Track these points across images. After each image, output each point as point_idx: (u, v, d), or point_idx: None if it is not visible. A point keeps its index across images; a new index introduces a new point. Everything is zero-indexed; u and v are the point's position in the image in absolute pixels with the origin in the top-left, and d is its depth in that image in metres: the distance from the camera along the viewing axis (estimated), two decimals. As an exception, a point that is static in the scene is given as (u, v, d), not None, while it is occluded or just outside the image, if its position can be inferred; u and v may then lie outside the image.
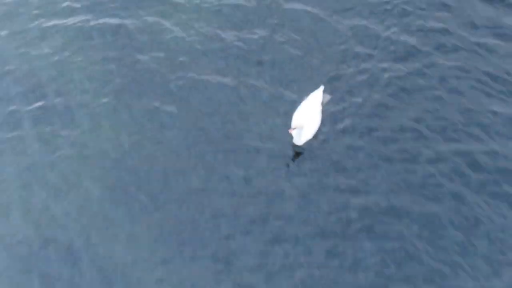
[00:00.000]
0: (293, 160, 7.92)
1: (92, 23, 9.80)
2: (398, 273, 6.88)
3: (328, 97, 8.50)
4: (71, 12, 9.98)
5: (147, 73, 9.01)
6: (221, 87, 8.75)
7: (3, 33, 9.84)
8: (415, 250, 7.02)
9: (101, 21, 9.79)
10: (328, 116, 8.33)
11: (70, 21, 9.85)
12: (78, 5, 10.06)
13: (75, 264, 7.23)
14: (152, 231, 7.40)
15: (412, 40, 9.01)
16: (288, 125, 8.25)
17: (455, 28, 9.08)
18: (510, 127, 7.94)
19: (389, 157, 7.84)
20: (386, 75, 8.70)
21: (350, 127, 8.20)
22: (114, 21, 9.76)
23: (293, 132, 7.85)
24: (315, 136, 8.13)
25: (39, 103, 8.80)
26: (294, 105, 8.46)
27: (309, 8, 9.63)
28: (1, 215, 7.72)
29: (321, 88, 8.46)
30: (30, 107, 8.78)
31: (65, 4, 10.10)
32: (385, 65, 8.78)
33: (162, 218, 7.49)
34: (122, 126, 8.45)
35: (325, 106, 8.42)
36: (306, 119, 8.00)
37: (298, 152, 8.01)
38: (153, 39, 9.44)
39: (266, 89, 8.67)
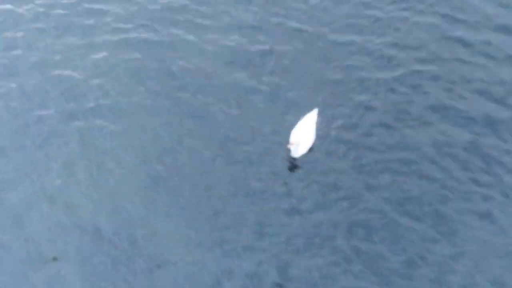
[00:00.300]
0: (290, 169, 9.53)
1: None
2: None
3: (319, 117, 10.13)
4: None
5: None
6: (223, 112, 10.40)
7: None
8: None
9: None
10: (320, 133, 9.95)
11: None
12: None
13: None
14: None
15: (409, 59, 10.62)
16: (287, 141, 9.89)
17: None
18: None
19: (371, 171, 9.42)
20: (380, 95, 10.30)
21: (339, 143, 9.80)
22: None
23: (291, 147, 9.46)
24: (309, 150, 9.74)
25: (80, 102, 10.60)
26: (292, 124, 10.11)
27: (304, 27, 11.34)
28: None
29: (315, 110, 10.08)
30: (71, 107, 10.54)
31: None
32: (380, 84, 10.41)
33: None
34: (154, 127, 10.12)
35: (318, 125, 10.03)
36: (302, 136, 9.60)
37: (294, 165, 9.63)
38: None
39: (268, 111, 10.33)
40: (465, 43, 10.60)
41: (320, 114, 10.16)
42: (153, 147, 10.05)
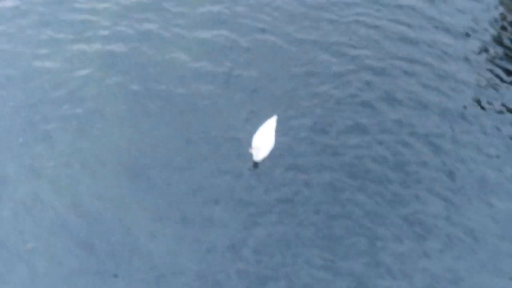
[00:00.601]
0: (252, 169, 10.49)
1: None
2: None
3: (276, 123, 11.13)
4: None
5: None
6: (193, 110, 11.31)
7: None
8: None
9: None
10: (279, 138, 10.95)
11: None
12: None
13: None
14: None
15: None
16: (249, 146, 10.86)
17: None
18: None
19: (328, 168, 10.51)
20: (332, 100, 11.40)
21: (295, 147, 10.83)
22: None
23: (253, 151, 10.43)
24: (269, 154, 10.74)
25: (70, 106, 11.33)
26: (253, 130, 11.08)
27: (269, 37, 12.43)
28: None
29: (275, 117, 11.07)
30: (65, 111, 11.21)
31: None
32: (332, 90, 11.51)
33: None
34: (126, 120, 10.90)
35: (277, 130, 11.03)
36: (263, 141, 10.59)
37: (255, 164, 10.61)
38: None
39: (231, 118, 11.26)
40: (410, 42, 12.16)
41: (279, 120, 11.16)
42: (132, 141, 10.84)
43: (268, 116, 11.20)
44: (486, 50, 12.21)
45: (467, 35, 12.51)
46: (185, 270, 9.26)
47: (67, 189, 10.19)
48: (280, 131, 10.99)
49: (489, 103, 11.35)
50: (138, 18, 12.93)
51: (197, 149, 10.77)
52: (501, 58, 12.02)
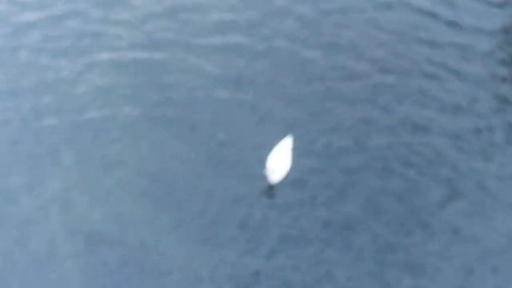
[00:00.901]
0: (268, 192, 9.81)
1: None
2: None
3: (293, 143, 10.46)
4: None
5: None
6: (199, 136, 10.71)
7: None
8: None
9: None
10: (296, 159, 10.28)
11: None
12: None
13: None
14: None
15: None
16: (264, 167, 10.17)
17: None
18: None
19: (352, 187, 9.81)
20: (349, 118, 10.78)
21: (314, 167, 10.14)
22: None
23: (268, 172, 9.73)
24: (286, 176, 10.05)
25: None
26: (268, 151, 10.42)
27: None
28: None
29: (290, 137, 10.40)
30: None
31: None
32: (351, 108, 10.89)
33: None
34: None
35: (293, 151, 10.35)
36: (278, 162, 9.90)
37: (271, 187, 9.93)
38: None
39: (246, 139, 10.63)
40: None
41: (295, 139, 10.50)
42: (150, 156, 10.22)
43: (283, 135, 10.56)
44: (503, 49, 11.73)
45: (489, 35, 12.01)
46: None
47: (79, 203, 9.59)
48: (299, 149, 10.35)
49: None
50: (153, 27, 12.47)
51: (212, 163, 10.14)
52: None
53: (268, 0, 12.97)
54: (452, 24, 12.26)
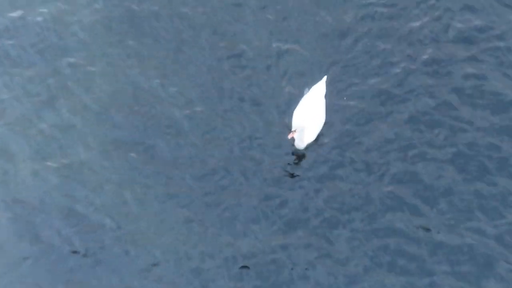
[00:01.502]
0: (294, 165, 7.06)
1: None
2: None
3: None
4: None
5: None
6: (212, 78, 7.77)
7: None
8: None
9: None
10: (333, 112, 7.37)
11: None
12: None
13: None
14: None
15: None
16: (286, 127, 7.27)
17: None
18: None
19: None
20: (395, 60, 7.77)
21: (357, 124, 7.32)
22: None
23: (294, 136, 6.89)
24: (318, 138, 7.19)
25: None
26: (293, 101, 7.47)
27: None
28: None
29: (324, 78, 7.45)
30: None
31: None
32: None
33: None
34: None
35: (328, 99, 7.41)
36: (308, 118, 7.05)
37: (299, 157, 7.13)
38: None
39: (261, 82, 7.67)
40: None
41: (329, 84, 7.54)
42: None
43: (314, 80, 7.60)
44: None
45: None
46: None
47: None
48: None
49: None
50: None
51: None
52: None
53: None
54: None
